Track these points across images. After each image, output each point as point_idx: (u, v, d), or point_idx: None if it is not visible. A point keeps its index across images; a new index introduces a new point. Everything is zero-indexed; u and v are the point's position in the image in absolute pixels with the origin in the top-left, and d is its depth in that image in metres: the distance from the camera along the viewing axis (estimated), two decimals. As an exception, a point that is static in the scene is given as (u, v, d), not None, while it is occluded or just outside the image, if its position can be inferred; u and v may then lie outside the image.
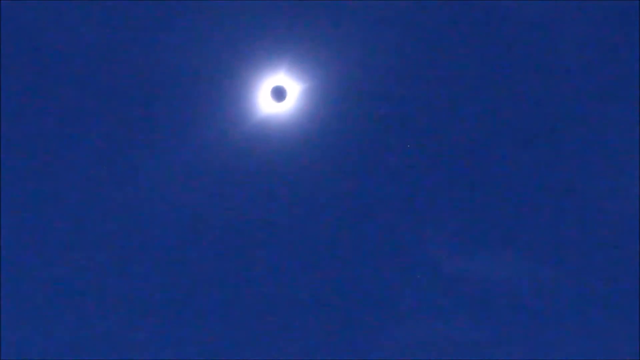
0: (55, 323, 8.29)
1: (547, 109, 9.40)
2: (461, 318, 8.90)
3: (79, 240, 9.39)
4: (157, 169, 9.69)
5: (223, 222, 9.77)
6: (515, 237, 9.07)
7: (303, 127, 9.76)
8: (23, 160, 9.45)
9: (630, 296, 8.92)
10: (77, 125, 9.83)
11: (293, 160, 9.73)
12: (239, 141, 9.73)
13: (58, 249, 9.24)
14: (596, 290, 8.94)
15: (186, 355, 8.96)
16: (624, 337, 8.87)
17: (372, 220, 9.30)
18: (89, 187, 9.68)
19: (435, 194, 9.17)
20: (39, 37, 9.77)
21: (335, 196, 9.56)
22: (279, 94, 9.81)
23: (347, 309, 9.06)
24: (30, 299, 8.54)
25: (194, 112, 9.74)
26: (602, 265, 8.98)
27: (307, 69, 9.80)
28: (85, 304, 8.93)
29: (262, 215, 9.73)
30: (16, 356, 7.42)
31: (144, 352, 9.04)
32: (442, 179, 9.23)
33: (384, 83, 9.57)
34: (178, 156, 9.76)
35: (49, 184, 9.48)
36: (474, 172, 9.23)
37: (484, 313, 8.90)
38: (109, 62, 9.80)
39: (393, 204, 9.27)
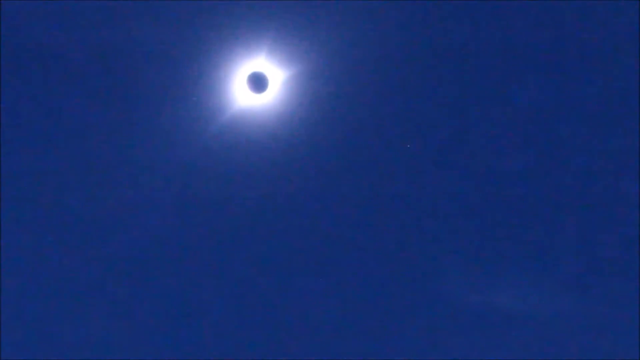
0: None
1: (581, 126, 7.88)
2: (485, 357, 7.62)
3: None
4: (114, 176, 7.92)
5: (189, 235, 8.16)
6: (548, 266, 7.70)
7: (287, 123, 8.04)
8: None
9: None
10: (28, 114, 7.99)
11: (276, 163, 8.06)
12: (208, 141, 7.99)
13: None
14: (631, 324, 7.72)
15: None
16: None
17: (375, 239, 7.78)
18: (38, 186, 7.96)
19: (451, 211, 7.68)
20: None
21: (328, 209, 7.97)
22: (258, 82, 8.03)
23: (354, 349, 7.67)
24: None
25: (152, 105, 7.92)
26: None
27: (292, 52, 8.00)
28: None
29: (237, 228, 8.12)
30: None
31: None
32: (458, 194, 7.71)
33: (391, 71, 7.86)
34: (135, 158, 7.99)
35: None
36: (497, 184, 7.72)
37: (510, 352, 7.63)
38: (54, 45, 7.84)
39: (400, 221, 7.75)
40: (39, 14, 7.88)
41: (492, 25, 8.07)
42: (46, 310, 7.83)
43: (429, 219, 8.10)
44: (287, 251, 7.94)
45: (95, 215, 8.06)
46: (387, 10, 7.97)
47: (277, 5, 7.91)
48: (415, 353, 8.00)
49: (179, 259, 8.14)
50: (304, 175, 7.99)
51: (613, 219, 8.30)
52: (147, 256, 8.09)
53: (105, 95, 7.94)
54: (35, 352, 7.51)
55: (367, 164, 7.98)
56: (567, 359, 8.01)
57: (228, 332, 8.12)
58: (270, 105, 8.04)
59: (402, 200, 8.11)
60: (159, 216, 8.09)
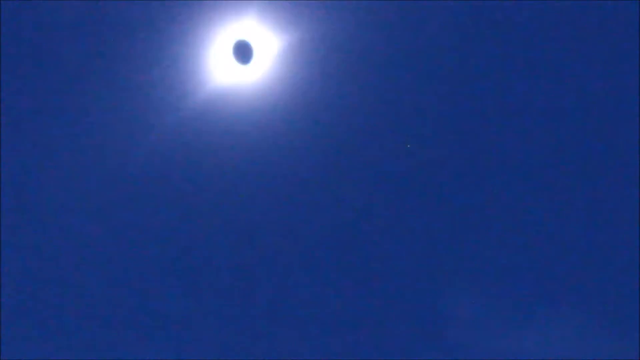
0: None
1: None
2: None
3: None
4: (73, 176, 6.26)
5: (158, 241, 6.50)
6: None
7: (282, 104, 6.39)
8: None
9: None
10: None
11: (266, 155, 6.40)
12: (183, 124, 6.33)
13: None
14: None
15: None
16: None
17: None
18: None
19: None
20: None
21: (333, 219, 6.31)
22: (244, 51, 6.37)
23: None
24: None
25: (113, 81, 6.25)
26: None
27: (291, 13, 6.35)
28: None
29: (215, 240, 6.47)
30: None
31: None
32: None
33: (415, 41, 6.22)
34: (94, 154, 6.31)
35: None
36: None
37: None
38: None
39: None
40: None
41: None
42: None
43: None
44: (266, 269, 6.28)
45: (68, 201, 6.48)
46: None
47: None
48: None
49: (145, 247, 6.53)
50: (302, 170, 6.34)
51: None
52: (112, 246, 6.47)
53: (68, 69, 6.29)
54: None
55: (376, 152, 6.34)
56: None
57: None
58: (260, 80, 6.38)
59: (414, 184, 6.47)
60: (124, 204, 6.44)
